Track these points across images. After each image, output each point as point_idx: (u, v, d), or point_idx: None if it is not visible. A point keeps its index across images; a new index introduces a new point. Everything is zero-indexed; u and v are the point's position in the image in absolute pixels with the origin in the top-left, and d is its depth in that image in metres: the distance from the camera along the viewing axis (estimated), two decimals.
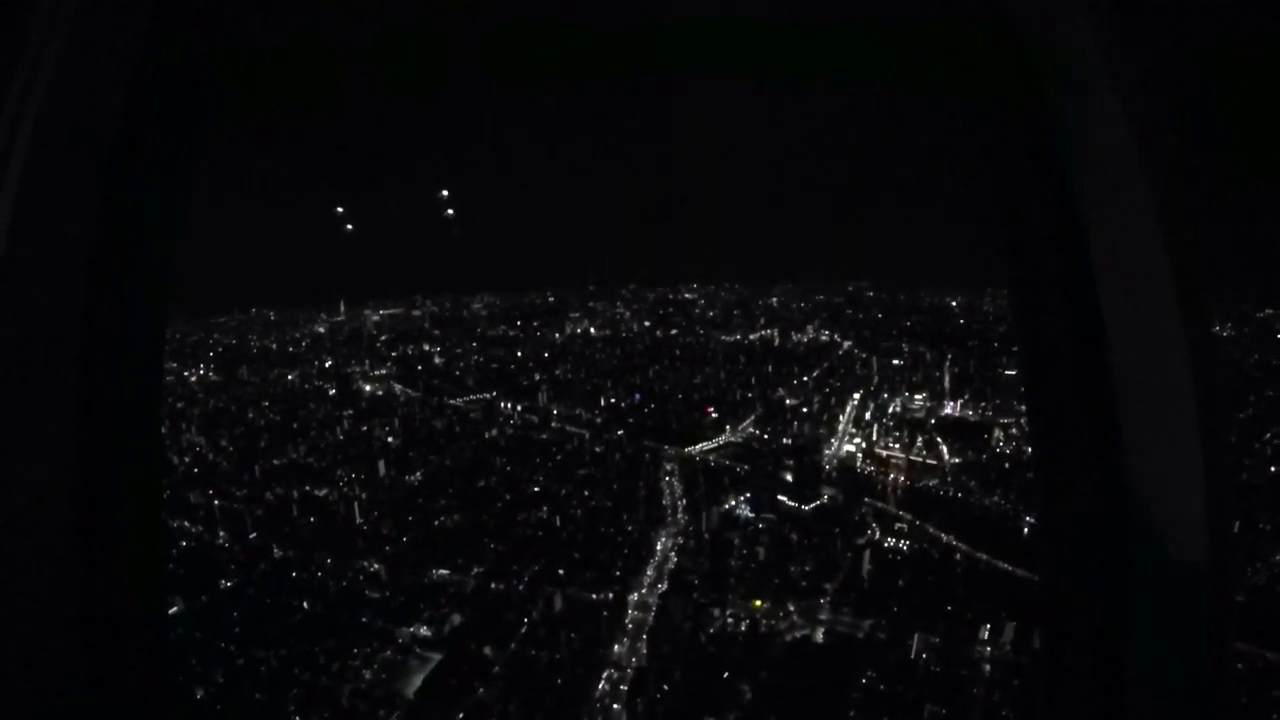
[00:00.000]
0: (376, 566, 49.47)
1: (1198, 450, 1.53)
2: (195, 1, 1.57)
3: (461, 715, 36.73)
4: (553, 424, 74.08)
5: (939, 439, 62.47)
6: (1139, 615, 1.57)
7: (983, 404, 66.78)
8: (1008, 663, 38.18)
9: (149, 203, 1.54)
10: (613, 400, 77.60)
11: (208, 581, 46.60)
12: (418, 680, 39.60)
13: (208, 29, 1.60)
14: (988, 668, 38.28)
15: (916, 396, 71.24)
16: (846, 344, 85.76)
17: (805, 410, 72.02)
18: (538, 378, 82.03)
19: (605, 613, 45.58)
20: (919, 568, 47.50)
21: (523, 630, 43.75)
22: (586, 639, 43.38)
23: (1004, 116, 1.72)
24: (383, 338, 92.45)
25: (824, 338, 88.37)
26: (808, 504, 57.11)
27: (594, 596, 46.93)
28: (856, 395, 73.97)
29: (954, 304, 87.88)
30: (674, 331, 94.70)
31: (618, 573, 49.46)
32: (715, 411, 74.23)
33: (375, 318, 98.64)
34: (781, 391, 76.55)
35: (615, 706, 39.18)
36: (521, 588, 47.33)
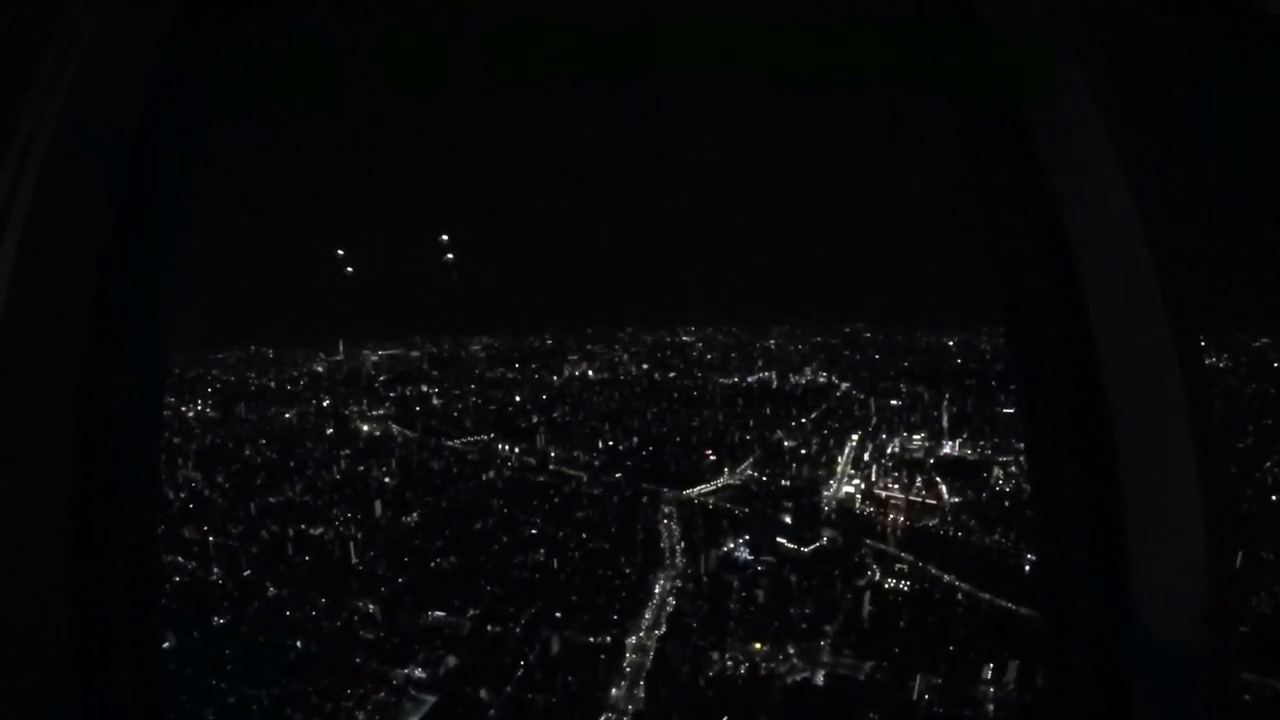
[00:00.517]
0: (371, 607, 48.82)
1: (1196, 483, 1.54)
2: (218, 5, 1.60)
3: None
4: (550, 466, 73.70)
5: (938, 478, 62.19)
6: (1142, 650, 1.56)
7: (981, 443, 66.59)
8: (1011, 703, 37.53)
9: (160, 206, 1.56)
10: (610, 443, 77.35)
11: (201, 618, 45.97)
12: None
13: (228, 32, 1.64)
14: (991, 708, 37.60)
15: (915, 436, 71.02)
16: (844, 385, 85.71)
17: (804, 452, 71.78)
18: (535, 420, 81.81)
19: (603, 655, 44.87)
20: (920, 608, 46.96)
21: (519, 673, 43.02)
22: (583, 682, 42.64)
23: (983, 124, 1.74)
24: (381, 378, 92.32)
25: (822, 379, 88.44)
26: (807, 546, 56.61)
27: (591, 639, 46.24)
28: (855, 436, 73.72)
29: (950, 344, 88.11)
30: (672, 374, 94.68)
31: (615, 616, 48.82)
32: (713, 454, 73.94)
33: (374, 358, 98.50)
34: (780, 433, 76.34)
35: None
36: (518, 630, 46.66)
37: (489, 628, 47.14)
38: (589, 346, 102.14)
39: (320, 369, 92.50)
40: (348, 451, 72.17)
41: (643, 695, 41.90)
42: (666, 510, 65.35)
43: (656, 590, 52.73)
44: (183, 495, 62.30)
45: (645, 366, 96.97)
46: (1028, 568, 48.17)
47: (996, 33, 1.66)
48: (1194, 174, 65.67)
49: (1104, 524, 1.58)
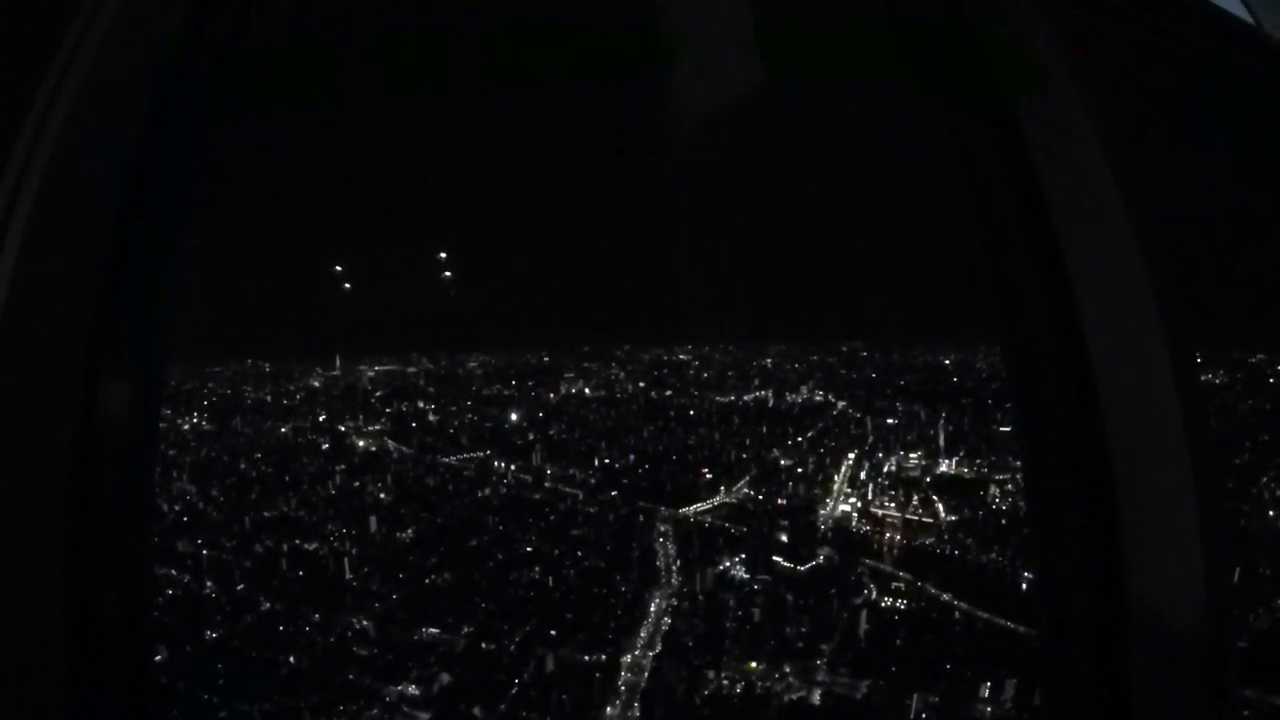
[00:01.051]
0: (365, 623, 48.41)
1: (1193, 500, 1.56)
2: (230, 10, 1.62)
3: None
4: (546, 483, 73.39)
5: (935, 497, 62.04)
6: (1140, 668, 1.56)
7: (978, 460, 66.44)
8: None
9: (162, 207, 1.56)
10: (607, 460, 77.12)
11: (193, 631, 45.51)
12: None
13: (231, 32, 1.63)
14: None
15: (911, 455, 70.87)
16: (841, 404, 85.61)
17: (800, 471, 71.63)
18: (532, 437, 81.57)
19: (598, 674, 44.53)
20: (917, 626, 46.73)
21: (513, 691, 42.64)
22: (578, 700, 42.29)
23: (974, 129, 1.74)
24: (378, 394, 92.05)
25: (818, 398, 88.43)
26: (803, 564, 56.35)
27: (586, 657, 45.89)
28: (851, 455, 73.53)
29: (947, 362, 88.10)
30: (668, 392, 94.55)
31: (611, 634, 48.48)
32: (710, 472, 73.75)
33: (371, 373, 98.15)
34: (776, 452, 76.20)
35: None
36: (513, 647, 46.29)
37: (483, 645, 46.72)
38: (586, 364, 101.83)
39: (317, 384, 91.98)
40: (343, 466, 71.66)
41: (638, 714, 41.54)
42: (662, 528, 64.96)
43: (652, 608, 52.37)
44: (177, 508, 61.84)
45: (642, 384, 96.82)
46: (1025, 585, 48.02)
47: (988, 36, 1.68)
48: (1190, 181, 66.09)
49: (1101, 542, 1.59)
